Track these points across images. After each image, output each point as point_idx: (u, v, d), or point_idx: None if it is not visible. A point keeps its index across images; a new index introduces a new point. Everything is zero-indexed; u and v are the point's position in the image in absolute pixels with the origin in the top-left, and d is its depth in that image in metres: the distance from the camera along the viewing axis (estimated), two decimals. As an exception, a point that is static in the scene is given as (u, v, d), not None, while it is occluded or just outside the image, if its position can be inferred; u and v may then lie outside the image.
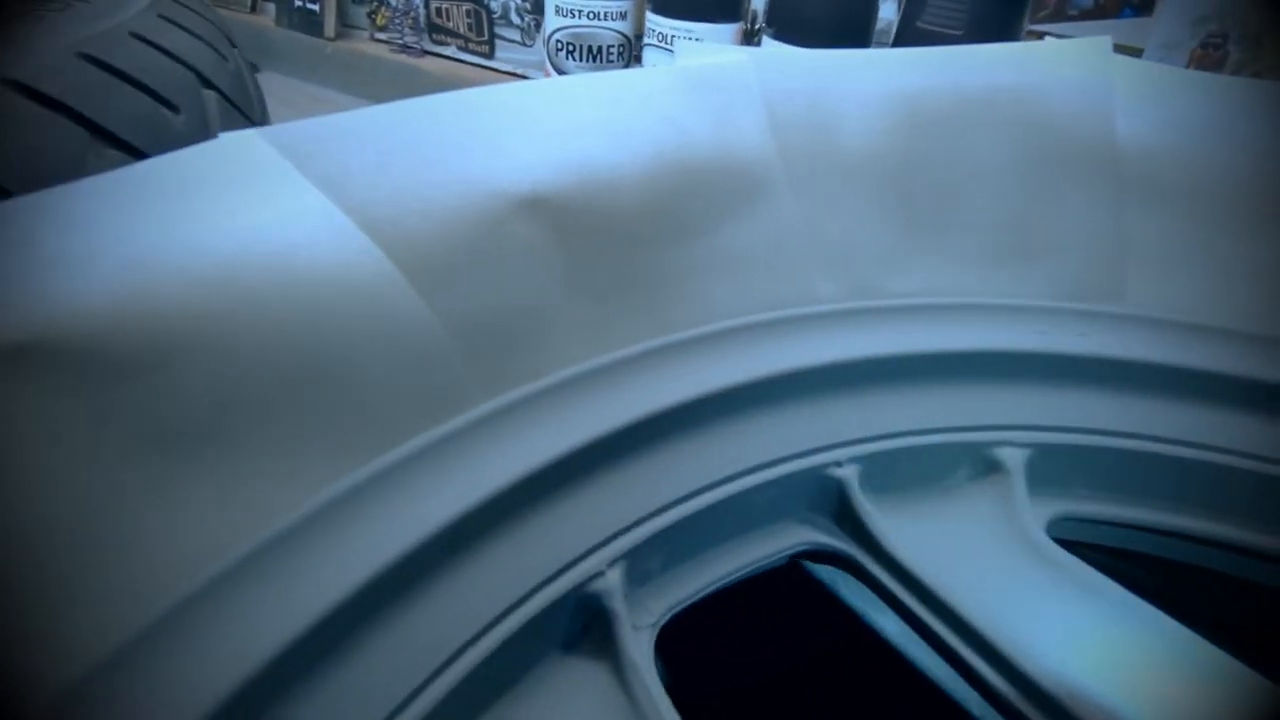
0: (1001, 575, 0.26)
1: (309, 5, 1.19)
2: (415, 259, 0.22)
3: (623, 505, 0.24)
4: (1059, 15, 0.77)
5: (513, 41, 1.10)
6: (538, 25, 1.06)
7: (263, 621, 0.17)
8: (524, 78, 1.12)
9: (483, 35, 1.12)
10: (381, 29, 1.21)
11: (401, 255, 0.22)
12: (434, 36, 1.18)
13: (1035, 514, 0.28)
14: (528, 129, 0.25)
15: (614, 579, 0.22)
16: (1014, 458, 0.29)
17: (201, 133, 0.44)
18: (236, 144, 0.22)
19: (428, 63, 1.16)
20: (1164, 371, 0.30)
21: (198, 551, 0.17)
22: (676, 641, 0.24)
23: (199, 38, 0.48)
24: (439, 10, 1.15)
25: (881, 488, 0.28)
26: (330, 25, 1.20)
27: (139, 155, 0.38)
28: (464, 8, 1.11)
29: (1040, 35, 0.75)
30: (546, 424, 0.23)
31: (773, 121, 0.31)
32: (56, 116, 0.34)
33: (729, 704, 0.36)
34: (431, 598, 0.20)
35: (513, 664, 0.21)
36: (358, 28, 1.26)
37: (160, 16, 0.46)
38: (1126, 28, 0.74)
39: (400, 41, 1.18)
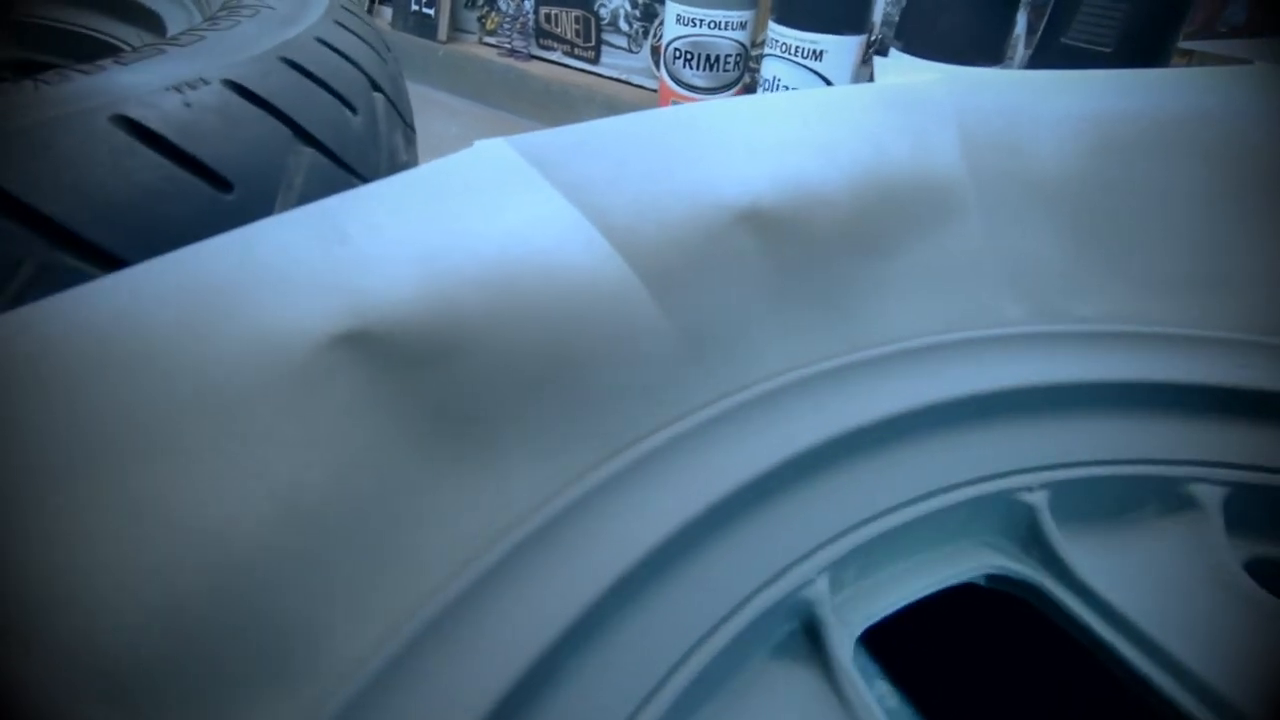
0: (1200, 610, 0.25)
1: (425, 9, 1.24)
2: (652, 266, 0.23)
3: (827, 516, 0.24)
4: (1208, 30, 0.73)
5: (619, 48, 1.12)
6: (645, 32, 1.08)
7: (518, 625, 0.18)
8: (628, 84, 1.14)
9: (589, 41, 1.14)
10: (491, 33, 1.25)
11: (640, 263, 0.23)
12: (541, 41, 1.21)
13: (1232, 553, 0.27)
14: (744, 143, 0.26)
15: (822, 587, 0.23)
16: (1210, 495, 0.28)
17: (373, 132, 0.46)
18: (491, 153, 0.23)
19: (534, 67, 1.19)
20: (1374, 414, 0.29)
21: (460, 541, 0.18)
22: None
23: (367, 43, 0.51)
24: (548, 16, 1.18)
25: (1070, 516, 0.28)
26: (443, 29, 1.25)
27: (328, 153, 0.40)
28: (573, 14, 1.14)
29: (1189, 53, 0.72)
30: (760, 433, 0.24)
31: (964, 141, 0.30)
32: (266, 116, 0.37)
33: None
34: (660, 600, 0.21)
35: (733, 666, 0.21)
36: (468, 32, 1.30)
37: (336, 23, 0.49)
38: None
39: (508, 46, 1.22)
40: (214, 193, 0.33)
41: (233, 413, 0.15)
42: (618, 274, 0.22)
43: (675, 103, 0.87)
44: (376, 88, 0.49)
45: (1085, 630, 0.25)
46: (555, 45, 1.20)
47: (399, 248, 0.20)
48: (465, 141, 0.24)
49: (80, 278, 0.26)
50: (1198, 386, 0.29)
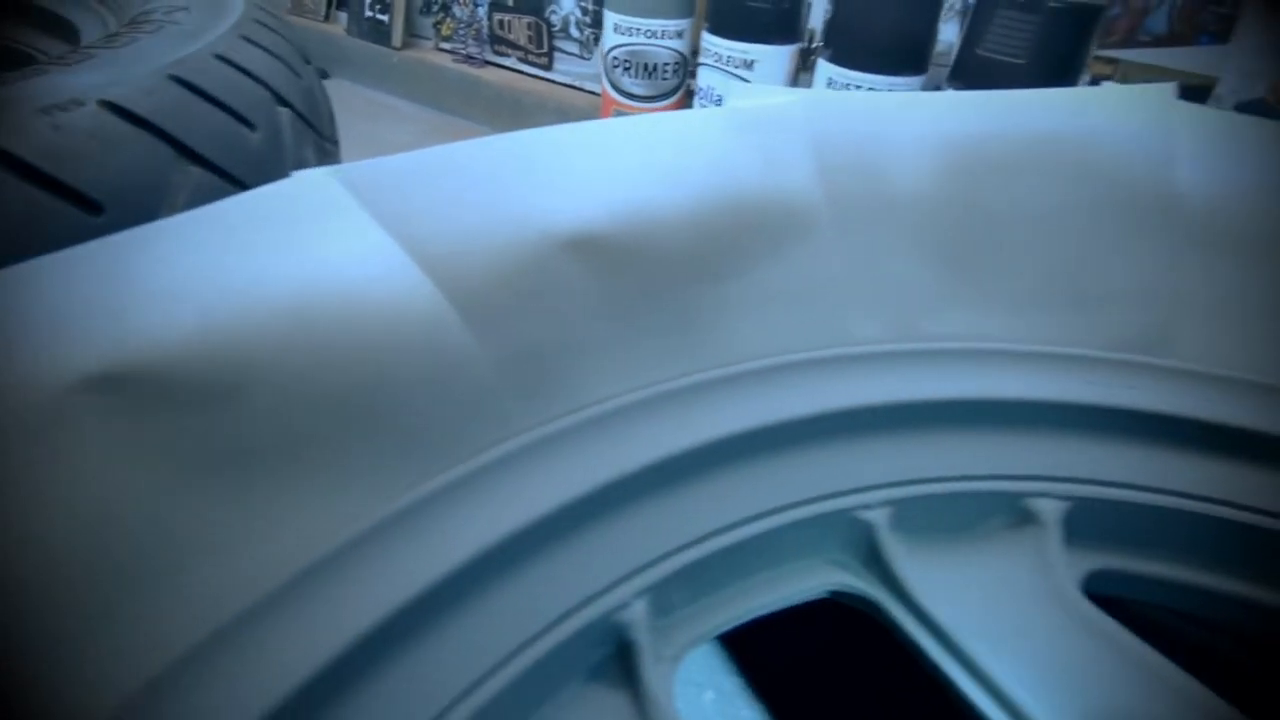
0: (1028, 629, 0.26)
1: (379, 16, 1.24)
2: (467, 295, 0.23)
3: (651, 539, 0.24)
4: (1130, 41, 0.74)
5: (571, 54, 1.13)
6: (596, 39, 1.08)
7: (303, 642, 0.18)
8: (581, 89, 1.14)
9: (542, 48, 1.14)
10: (446, 39, 1.24)
11: (455, 292, 0.23)
12: (495, 48, 1.21)
13: (1070, 568, 0.28)
14: (579, 170, 0.26)
15: (639, 611, 0.23)
16: (1051, 510, 0.29)
17: (276, 148, 0.46)
18: (310, 183, 0.23)
19: (488, 73, 1.19)
20: (1212, 429, 0.29)
21: (250, 569, 0.19)
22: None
23: (276, 56, 0.51)
24: (501, 22, 1.18)
25: (913, 533, 0.28)
26: (398, 35, 1.25)
27: (219, 172, 0.40)
28: (525, 20, 1.14)
29: (1112, 61, 0.73)
30: (580, 457, 0.24)
31: (820, 164, 0.31)
32: (145, 135, 0.37)
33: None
34: (461, 623, 0.21)
35: (538, 689, 0.22)
36: (424, 38, 1.30)
37: (242, 37, 0.49)
38: (1202, 55, 0.71)
39: (463, 52, 1.22)
40: (83, 215, 0.33)
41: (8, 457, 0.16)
42: (429, 304, 0.23)
43: (617, 111, 0.88)
44: (283, 102, 0.49)
45: (916, 646, 0.26)
46: (509, 51, 1.20)
47: (188, 283, 0.20)
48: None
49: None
50: (1044, 403, 0.30)
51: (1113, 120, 0.32)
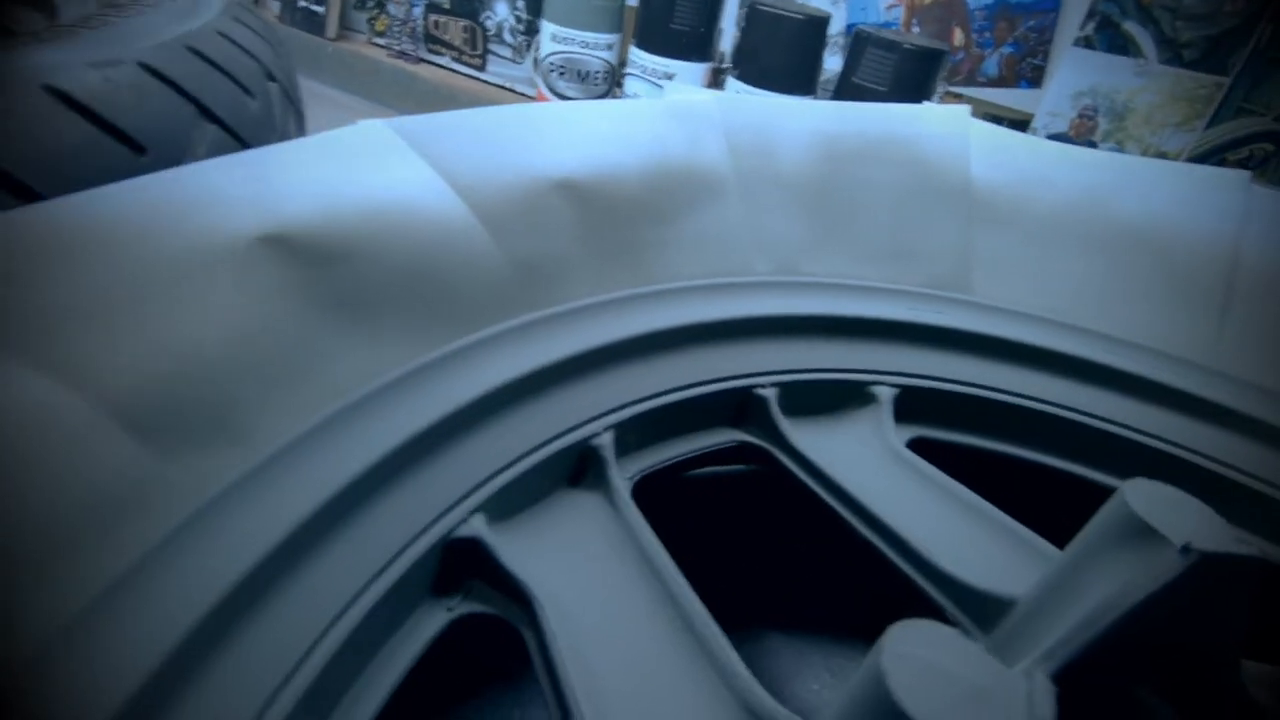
0: (875, 469, 0.38)
1: (313, 6, 1.28)
2: (488, 214, 0.33)
3: (614, 394, 0.35)
4: (970, 80, 0.92)
5: (504, 58, 1.21)
6: (528, 45, 1.17)
7: (363, 442, 0.27)
8: (512, 91, 1.23)
9: (476, 49, 1.22)
10: (380, 34, 1.30)
11: (480, 210, 0.32)
12: (430, 46, 1.28)
13: (899, 433, 0.40)
14: (565, 135, 0.36)
15: (607, 439, 0.33)
16: (886, 394, 0.41)
17: (269, 115, 0.53)
18: (372, 130, 0.32)
19: (423, 69, 1.26)
20: (997, 342, 0.43)
21: (354, 370, 0.27)
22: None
23: (262, 37, 0.57)
24: (436, 23, 1.25)
25: (791, 409, 0.40)
26: (332, 27, 1.29)
27: (229, 131, 0.47)
28: (461, 23, 1.22)
29: (957, 96, 0.90)
30: (564, 334, 0.34)
31: (730, 146, 0.42)
32: (174, 94, 0.43)
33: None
34: (487, 432, 0.30)
35: (539, 487, 0.31)
36: (358, 31, 1.34)
37: (234, 19, 0.55)
38: (1021, 96, 0.89)
39: (398, 48, 1.28)
40: (131, 154, 0.40)
41: (193, 280, 0.24)
42: (463, 218, 0.32)
43: (551, 111, 0.98)
44: (271, 77, 0.56)
45: (799, 480, 0.37)
46: (444, 50, 1.28)
47: (302, 187, 0.28)
48: None
49: (20, 214, 0.33)
50: (883, 321, 0.42)
51: (929, 127, 0.46)
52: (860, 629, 0.51)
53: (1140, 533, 0.23)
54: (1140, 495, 0.24)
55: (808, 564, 0.44)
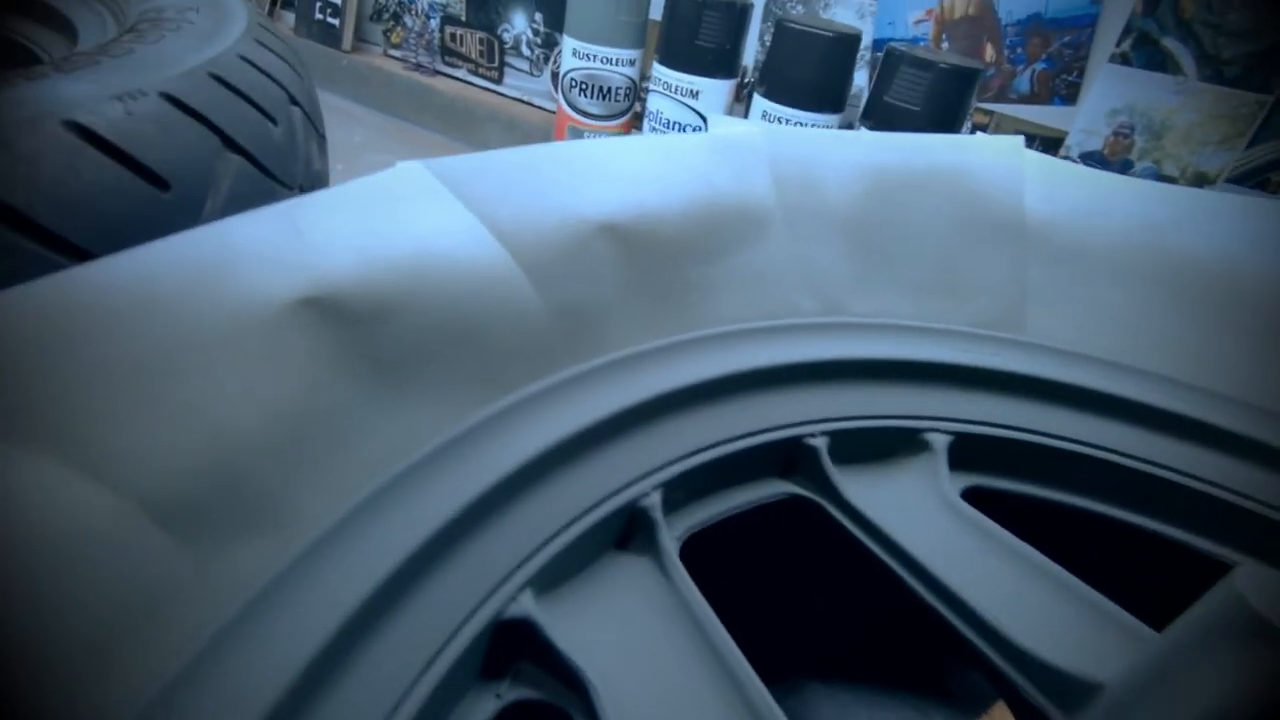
0: (928, 521, 0.36)
1: (329, 19, 1.27)
2: (529, 261, 0.31)
3: (662, 450, 0.33)
4: (1001, 97, 0.90)
5: (521, 70, 1.20)
6: (546, 58, 1.16)
7: (417, 512, 0.25)
8: (529, 104, 1.22)
9: (493, 62, 1.21)
10: (396, 46, 1.29)
11: (521, 258, 0.31)
12: (446, 59, 1.26)
13: (953, 483, 0.38)
14: (605, 175, 0.35)
15: (655, 499, 0.31)
16: (940, 441, 0.39)
17: (292, 142, 0.52)
18: (410, 172, 0.31)
19: (439, 82, 1.25)
20: (1053, 385, 0.41)
21: (395, 437, 0.26)
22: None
23: (284, 60, 0.56)
24: (453, 35, 1.24)
25: (842, 458, 0.38)
26: (348, 39, 1.28)
27: (253, 160, 0.46)
28: (478, 35, 1.20)
29: (989, 113, 0.88)
30: (606, 389, 0.32)
31: (775, 180, 0.41)
32: (198, 125, 0.42)
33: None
34: (531, 501, 0.29)
35: (583, 557, 0.29)
36: (373, 43, 1.33)
37: (257, 41, 0.54)
38: (1054, 114, 0.87)
39: (413, 60, 1.26)
40: (153, 191, 0.38)
41: (226, 349, 0.22)
42: (504, 267, 0.30)
43: (571, 127, 0.96)
44: (294, 102, 0.54)
45: (849, 534, 0.35)
46: (460, 63, 1.26)
47: (340, 240, 0.27)
48: (369, 149, 0.31)
49: (40, 261, 0.31)
50: (935, 364, 0.40)
51: (981, 157, 0.44)
52: (903, 679, 0.48)
53: (1257, 631, 0.21)
54: (1254, 584, 0.22)
55: (854, 614, 0.42)
